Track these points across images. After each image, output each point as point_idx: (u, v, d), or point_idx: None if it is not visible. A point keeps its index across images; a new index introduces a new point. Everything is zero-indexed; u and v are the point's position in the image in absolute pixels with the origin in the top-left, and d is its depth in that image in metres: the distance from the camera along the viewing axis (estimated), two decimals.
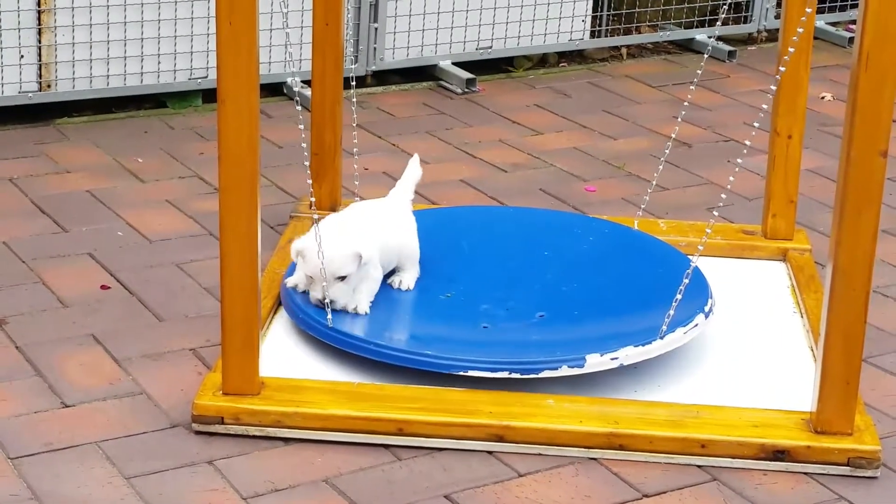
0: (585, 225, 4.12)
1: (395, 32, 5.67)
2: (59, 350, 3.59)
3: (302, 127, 3.46)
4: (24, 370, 3.50)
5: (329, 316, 3.47)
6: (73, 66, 5.12)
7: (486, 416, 3.25)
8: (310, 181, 3.51)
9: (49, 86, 5.12)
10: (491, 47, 5.89)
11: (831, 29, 6.61)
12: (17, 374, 3.48)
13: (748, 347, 3.68)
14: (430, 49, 5.77)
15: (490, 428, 3.24)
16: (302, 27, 5.27)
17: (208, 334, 3.67)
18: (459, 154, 5.06)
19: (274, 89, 5.49)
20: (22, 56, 5.05)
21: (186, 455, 3.18)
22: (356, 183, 4.14)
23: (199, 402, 3.26)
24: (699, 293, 3.62)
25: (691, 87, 4.15)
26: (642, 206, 4.22)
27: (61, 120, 5.17)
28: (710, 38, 6.28)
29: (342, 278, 3.49)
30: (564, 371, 3.35)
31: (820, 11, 6.47)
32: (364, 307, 3.54)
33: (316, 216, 3.47)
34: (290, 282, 3.64)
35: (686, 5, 6.39)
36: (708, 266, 3.91)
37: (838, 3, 6.68)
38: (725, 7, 4.05)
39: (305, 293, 3.59)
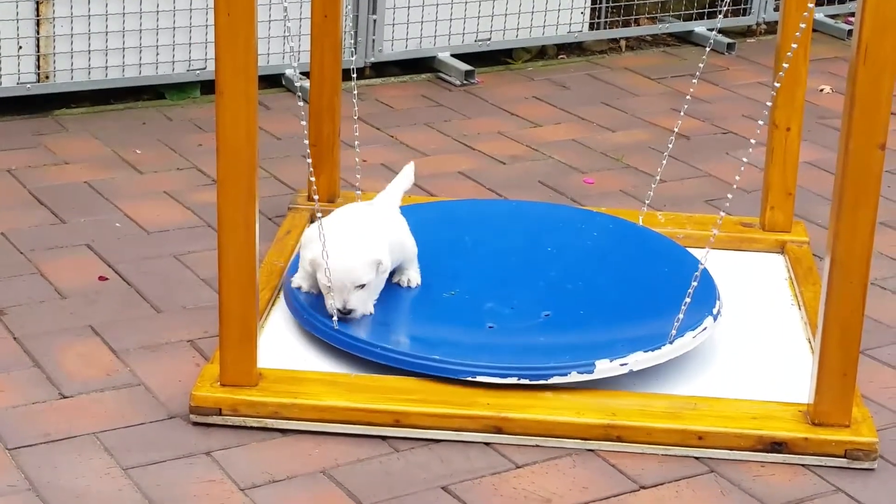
0: (588, 220, 4.10)
1: (393, 24, 5.67)
2: (57, 341, 3.59)
3: (305, 123, 3.46)
4: (23, 361, 3.50)
5: (335, 318, 3.46)
6: (72, 57, 5.12)
7: (483, 408, 3.25)
8: (312, 177, 3.50)
9: (47, 77, 5.12)
10: (490, 39, 5.88)
11: (830, 21, 6.61)
12: (16, 365, 3.48)
13: (746, 339, 3.68)
14: (428, 41, 5.77)
15: (488, 419, 3.24)
16: (301, 18, 5.27)
17: (206, 326, 3.67)
18: (458, 146, 5.06)
19: (272, 81, 5.48)
20: (20, 47, 5.05)
21: (184, 446, 3.18)
22: (357, 176, 4.13)
23: (197, 393, 3.26)
24: (707, 295, 3.59)
25: (693, 81, 4.14)
26: (647, 202, 4.21)
27: (59, 111, 5.17)
28: (709, 30, 6.28)
29: (361, 286, 3.45)
30: (574, 377, 3.33)
31: (819, 4, 6.46)
32: (371, 308, 3.52)
33: (320, 226, 3.42)
34: (295, 281, 3.60)
35: None
36: (706, 259, 3.91)
37: None
38: None
39: (309, 294, 3.56)
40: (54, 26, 5.07)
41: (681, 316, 3.42)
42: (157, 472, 3.09)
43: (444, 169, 4.83)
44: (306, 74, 4.37)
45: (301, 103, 3.52)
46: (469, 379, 3.32)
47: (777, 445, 3.22)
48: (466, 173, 4.81)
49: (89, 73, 5.16)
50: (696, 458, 3.23)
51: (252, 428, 3.25)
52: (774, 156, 4.15)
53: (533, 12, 5.92)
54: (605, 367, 3.35)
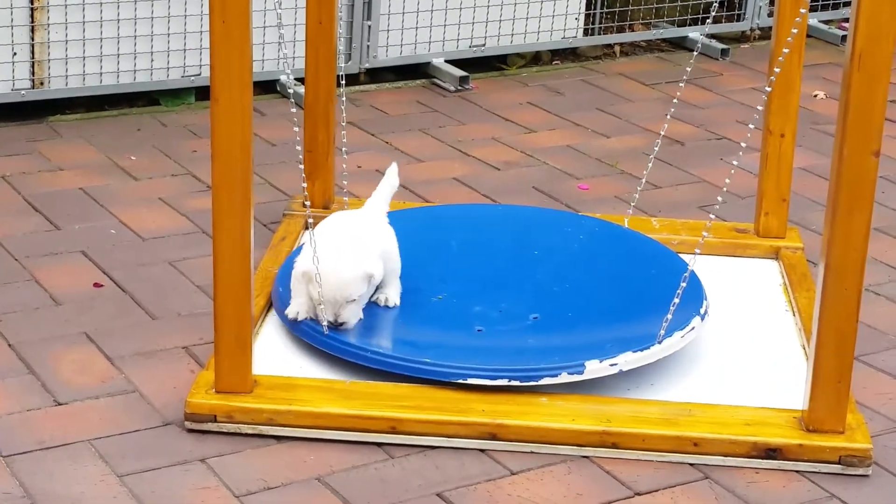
0: (576, 223, 4.11)
1: (388, 30, 5.67)
2: (51, 348, 3.59)
3: (297, 130, 3.46)
4: (17, 368, 3.50)
5: (324, 323, 3.46)
6: (66, 63, 5.12)
7: (478, 415, 3.25)
8: (304, 183, 3.50)
9: (42, 83, 5.12)
10: (484, 45, 5.89)
11: (824, 27, 6.61)
12: (10, 372, 3.48)
13: (740, 346, 3.68)
14: (423, 47, 5.77)
15: (483, 426, 3.24)
16: (295, 25, 5.27)
17: (201, 332, 3.67)
18: (452, 152, 5.06)
19: (267, 87, 5.48)
20: (15, 53, 5.05)
21: (179, 453, 3.18)
22: (345, 182, 4.13)
23: (192, 400, 3.26)
24: (694, 295, 3.61)
25: (680, 85, 4.15)
26: (632, 204, 4.22)
27: (54, 117, 5.17)
28: (702, 35, 6.29)
29: (353, 300, 3.44)
30: (564, 378, 3.34)
31: (813, 9, 6.47)
32: (360, 313, 3.50)
33: (311, 238, 3.41)
34: (291, 312, 3.52)
35: (679, 3, 6.39)
36: (700, 264, 3.92)
37: (831, 2, 6.68)
38: (718, 5, 4.04)
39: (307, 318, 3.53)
40: (49, 32, 5.07)
41: (669, 316, 3.43)
42: (152, 479, 3.09)
43: (438, 175, 4.83)
44: (301, 80, 4.37)
45: (294, 109, 3.51)
46: (460, 382, 3.32)
47: (772, 452, 3.22)
48: (461, 179, 4.81)
49: (84, 79, 5.16)
50: (691, 464, 3.23)
51: (247, 435, 3.25)
52: (769, 162, 4.15)
53: (527, 18, 5.92)
54: (594, 368, 3.36)
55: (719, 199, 3.57)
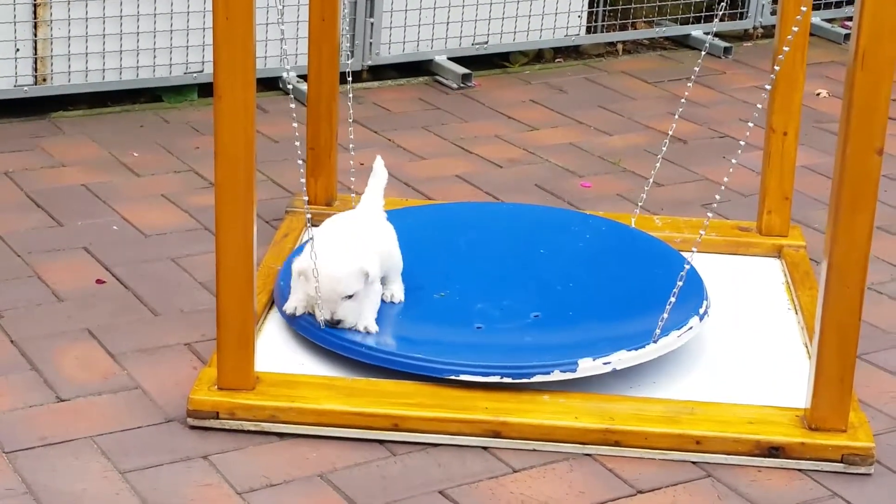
0: (582, 222, 4.11)
1: (391, 27, 5.67)
2: (54, 344, 3.59)
3: (296, 125, 3.46)
4: (20, 364, 3.50)
5: (321, 320, 3.46)
6: (69, 59, 5.12)
7: (481, 412, 3.25)
8: (303, 179, 3.50)
9: (45, 79, 5.12)
10: (487, 42, 5.89)
11: (827, 25, 6.61)
12: (13, 368, 3.48)
13: (743, 344, 3.68)
14: (425, 44, 5.77)
15: (485, 424, 3.24)
16: (298, 22, 5.27)
17: (203, 329, 3.67)
18: (455, 149, 5.06)
19: (270, 84, 5.48)
20: (18, 49, 5.05)
21: (181, 450, 3.18)
22: (352, 178, 4.13)
23: (194, 396, 3.26)
24: (694, 295, 3.61)
25: (688, 84, 4.15)
26: (640, 204, 4.22)
27: (57, 114, 5.17)
28: (706, 34, 6.29)
29: (349, 297, 3.44)
30: (556, 376, 3.34)
31: (816, 8, 6.46)
32: (373, 325, 3.48)
33: (310, 237, 3.42)
34: (289, 307, 3.53)
35: (682, 1, 6.39)
36: (703, 263, 3.92)
37: (834, 0, 6.68)
38: (722, 3, 4.05)
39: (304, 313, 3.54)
40: (52, 29, 5.07)
41: (665, 315, 3.43)
42: (154, 476, 3.09)
43: (441, 172, 4.83)
44: (303, 77, 4.37)
45: (293, 105, 3.50)
46: (453, 378, 3.32)
47: (774, 450, 3.22)
48: (463, 177, 4.81)
49: (86, 75, 5.16)
50: (694, 462, 3.23)
51: (249, 431, 3.25)
52: (771, 160, 4.15)
53: (530, 16, 5.92)
54: (587, 366, 3.36)
55: (717, 197, 3.56)
